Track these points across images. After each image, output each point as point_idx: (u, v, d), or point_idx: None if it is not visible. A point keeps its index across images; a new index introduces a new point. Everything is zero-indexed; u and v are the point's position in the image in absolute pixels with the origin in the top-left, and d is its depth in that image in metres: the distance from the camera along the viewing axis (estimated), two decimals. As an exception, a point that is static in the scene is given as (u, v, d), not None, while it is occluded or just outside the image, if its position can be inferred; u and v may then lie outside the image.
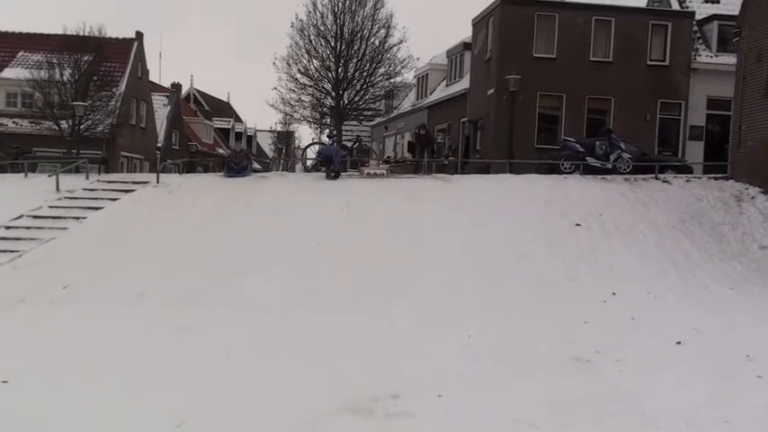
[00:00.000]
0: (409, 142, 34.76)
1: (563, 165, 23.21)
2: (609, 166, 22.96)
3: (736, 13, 23.71)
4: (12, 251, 16.58)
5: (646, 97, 28.62)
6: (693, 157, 28.16)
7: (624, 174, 22.44)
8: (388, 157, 34.05)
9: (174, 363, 10.35)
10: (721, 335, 11.81)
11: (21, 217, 18.47)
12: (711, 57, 29.82)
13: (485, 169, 26.09)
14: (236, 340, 11.48)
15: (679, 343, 11.39)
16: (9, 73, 38.05)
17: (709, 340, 11.50)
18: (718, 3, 32.05)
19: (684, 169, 24.45)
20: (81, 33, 35.73)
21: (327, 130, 37.45)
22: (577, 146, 23.57)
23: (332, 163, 22.44)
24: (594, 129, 27.41)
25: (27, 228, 18.00)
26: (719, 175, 21.98)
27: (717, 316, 12.97)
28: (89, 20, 44.63)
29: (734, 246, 17.33)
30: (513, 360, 10.53)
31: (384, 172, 22.87)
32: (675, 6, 31.72)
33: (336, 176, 22.02)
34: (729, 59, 26.09)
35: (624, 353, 10.82)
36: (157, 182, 21.34)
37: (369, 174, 22.76)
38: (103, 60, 35.97)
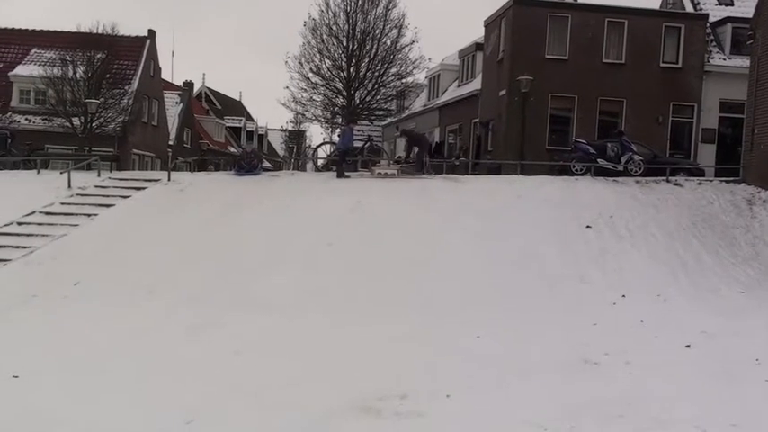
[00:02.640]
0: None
1: (574, 166, 23.16)
2: (620, 168, 22.88)
3: (749, 15, 23.60)
4: (24, 247, 16.70)
5: (658, 99, 28.52)
6: (705, 159, 28.04)
7: (635, 176, 22.36)
8: (399, 157, 34.07)
9: (184, 360, 10.41)
10: (731, 339, 11.76)
11: (33, 213, 18.59)
12: (725, 59, 29.69)
13: (496, 170, 26.05)
14: (246, 339, 11.52)
15: (688, 346, 11.36)
16: (22, 70, 38.29)
17: (719, 344, 11.47)
18: (732, 5, 31.92)
19: (696, 172, 24.33)
20: (94, 31, 35.96)
21: (338, 130, 37.48)
22: (589, 148, 23.50)
23: (347, 155, 22.68)
24: (606, 131, 27.33)
25: (39, 224, 18.11)
26: (731, 179, 21.88)
27: (727, 320, 12.91)
28: (102, 17, 44.93)
29: (745, 249, 17.26)
30: (522, 361, 10.53)
31: (395, 172, 22.86)
32: (689, 8, 31.60)
33: (344, 175, 22.06)
34: (743, 62, 25.99)
35: (633, 355, 10.80)
36: (169, 180, 21.43)
37: (380, 174, 22.76)
38: (116, 58, 36.19)
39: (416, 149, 24.84)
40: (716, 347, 11.28)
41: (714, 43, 30.28)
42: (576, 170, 23.00)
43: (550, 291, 14.66)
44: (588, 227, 17.69)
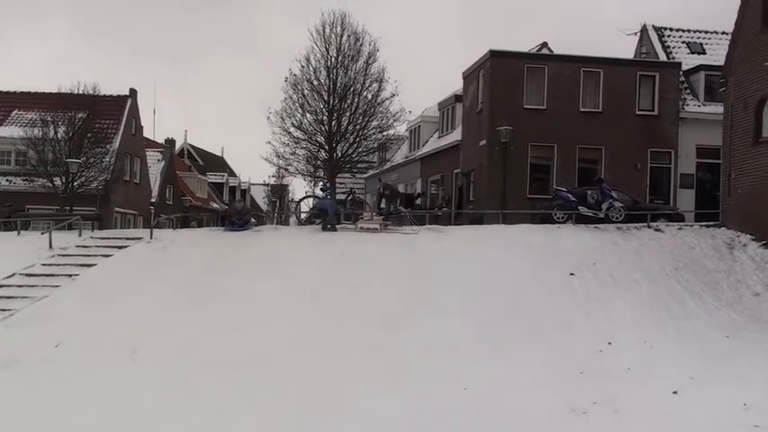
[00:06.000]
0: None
1: (555, 214, 23.31)
2: (601, 215, 23.06)
3: (721, 63, 24.08)
4: (4, 310, 16.49)
5: (636, 146, 28.88)
6: (685, 204, 28.30)
7: (616, 222, 22.52)
8: (382, 209, 34.18)
9: (170, 419, 10.24)
10: (718, 383, 11.76)
11: (13, 275, 18.41)
12: (699, 106, 30.19)
13: (478, 220, 26.16)
14: (232, 395, 11.38)
15: (676, 392, 11.33)
16: (3, 131, 38.24)
17: (706, 389, 11.45)
18: (704, 53, 32.56)
19: (676, 217, 24.54)
20: (75, 91, 36.05)
21: (321, 183, 37.60)
22: (569, 195, 23.69)
23: (327, 215, 22.58)
24: (586, 178, 27.59)
25: (20, 286, 17.92)
26: (711, 223, 22.06)
27: (713, 364, 12.92)
28: (83, 78, 45.13)
29: (728, 293, 17.34)
30: (509, 412, 10.45)
31: (378, 226, 22.88)
32: (662, 57, 32.21)
33: (333, 228, 22.12)
34: (717, 108, 26.38)
35: (622, 403, 10.76)
36: (151, 237, 21.35)
37: (362, 228, 22.78)
38: (98, 117, 36.21)
39: (384, 201, 25.23)
40: (704, 393, 11.26)
41: (688, 90, 30.82)
42: (558, 218, 23.14)
43: (536, 339, 14.61)
44: (572, 274, 17.74)
